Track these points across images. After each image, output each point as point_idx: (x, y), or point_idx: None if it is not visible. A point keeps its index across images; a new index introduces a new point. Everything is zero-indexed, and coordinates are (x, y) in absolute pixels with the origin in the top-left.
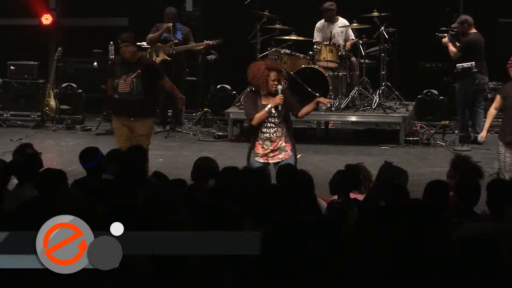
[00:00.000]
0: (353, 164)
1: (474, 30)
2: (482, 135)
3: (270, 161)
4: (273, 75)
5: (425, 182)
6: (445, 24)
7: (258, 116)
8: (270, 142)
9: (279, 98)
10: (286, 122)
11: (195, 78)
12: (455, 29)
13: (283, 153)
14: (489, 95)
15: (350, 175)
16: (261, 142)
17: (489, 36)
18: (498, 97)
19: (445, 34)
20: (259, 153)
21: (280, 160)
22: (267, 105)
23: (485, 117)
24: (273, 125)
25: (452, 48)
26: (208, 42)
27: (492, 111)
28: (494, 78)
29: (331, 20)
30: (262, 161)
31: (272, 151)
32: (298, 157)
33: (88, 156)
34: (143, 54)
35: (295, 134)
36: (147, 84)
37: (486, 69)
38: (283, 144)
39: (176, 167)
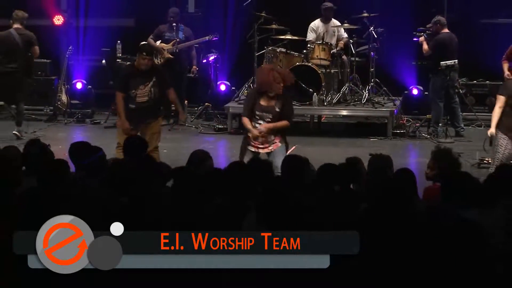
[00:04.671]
0: (352, 157)
1: (446, 30)
2: (491, 131)
3: (260, 151)
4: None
5: None
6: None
7: (244, 122)
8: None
9: (258, 133)
10: (279, 121)
11: (196, 75)
12: (430, 29)
13: (272, 144)
14: (460, 91)
15: (349, 168)
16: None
17: (472, 36)
18: (501, 97)
19: (422, 34)
20: (251, 141)
21: (270, 152)
22: (264, 105)
23: (461, 111)
24: (266, 123)
25: (425, 47)
26: (208, 36)
27: (497, 110)
28: (481, 76)
29: (328, 20)
30: (253, 150)
31: (261, 143)
32: (293, 148)
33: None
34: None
35: (290, 127)
36: (160, 89)
37: (457, 67)
38: (272, 137)
39: (178, 158)
